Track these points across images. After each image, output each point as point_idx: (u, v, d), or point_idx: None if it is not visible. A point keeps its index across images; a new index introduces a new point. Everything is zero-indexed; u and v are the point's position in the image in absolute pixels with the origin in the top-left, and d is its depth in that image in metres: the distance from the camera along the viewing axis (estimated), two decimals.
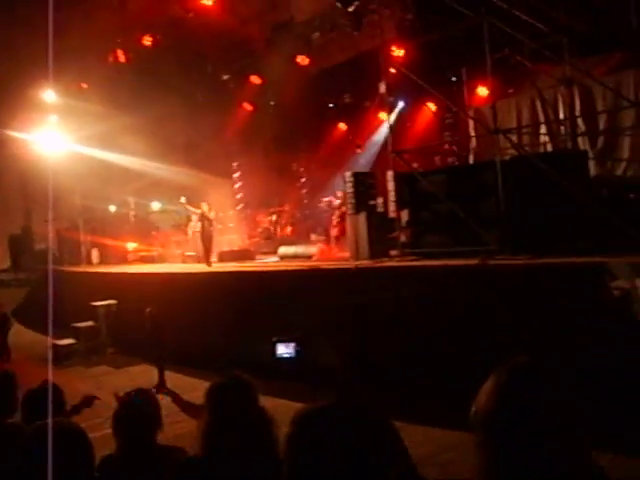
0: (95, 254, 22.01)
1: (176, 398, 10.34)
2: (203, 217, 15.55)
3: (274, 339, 2.16)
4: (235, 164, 23.23)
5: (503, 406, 1.48)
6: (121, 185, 22.67)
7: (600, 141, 13.10)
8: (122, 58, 19.56)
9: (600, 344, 7.12)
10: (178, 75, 19.51)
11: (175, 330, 11.70)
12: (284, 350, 2.09)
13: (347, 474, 1.59)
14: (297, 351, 2.13)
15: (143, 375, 11.92)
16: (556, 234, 9.49)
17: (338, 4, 15.26)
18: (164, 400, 9.63)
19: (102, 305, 14.99)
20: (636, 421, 6.11)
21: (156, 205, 23.82)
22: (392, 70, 14.43)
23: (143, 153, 20.87)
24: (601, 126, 13.20)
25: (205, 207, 15.50)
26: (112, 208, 23.98)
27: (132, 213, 23.67)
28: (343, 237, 15.02)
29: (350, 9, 15.13)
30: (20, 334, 16.41)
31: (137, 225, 23.10)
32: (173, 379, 11.28)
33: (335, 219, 16.18)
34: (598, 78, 12.66)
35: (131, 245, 21.87)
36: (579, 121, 13.17)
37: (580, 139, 12.99)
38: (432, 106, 18.23)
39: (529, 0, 12.84)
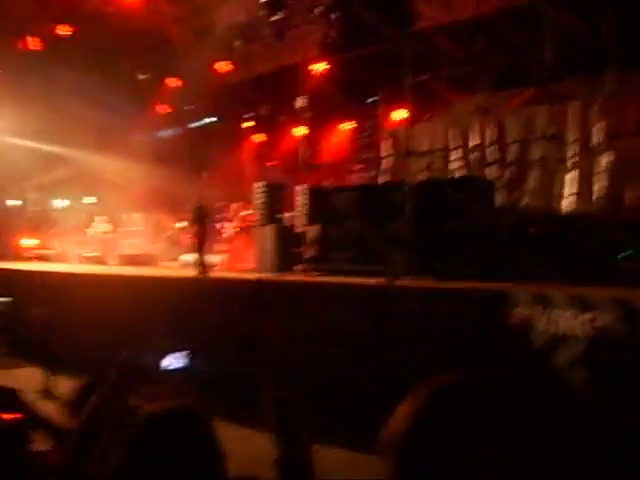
0: None
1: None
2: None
3: (162, 348, 2.00)
4: (146, 167, 22.68)
5: (420, 430, 1.38)
6: (23, 178, 21.83)
7: (509, 172, 13.41)
8: (35, 46, 18.83)
9: (500, 370, 7.16)
10: (94, 70, 18.93)
11: (68, 333, 11.20)
12: (173, 361, 1.93)
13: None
14: (189, 361, 1.97)
15: (30, 378, 11.32)
16: (460, 259, 9.59)
17: (262, 12, 15.14)
18: (49, 405, 9.14)
19: None
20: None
21: (59, 203, 23.03)
22: (312, 86, 14.41)
23: (48, 147, 20.17)
24: (511, 157, 13.53)
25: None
26: (12, 202, 23.04)
27: (31, 209, 22.81)
28: (247, 248, 14.81)
29: (273, 18, 15.02)
30: None
31: (36, 222, 22.24)
32: (64, 385, 10.75)
33: (231, 227, 15.94)
34: (512, 110, 12.97)
35: (28, 242, 21.01)
36: (490, 150, 13.44)
37: (490, 168, 13.25)
38: (348, 124, 18.30)
39: (451, 30, 13.06)
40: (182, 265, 16.00)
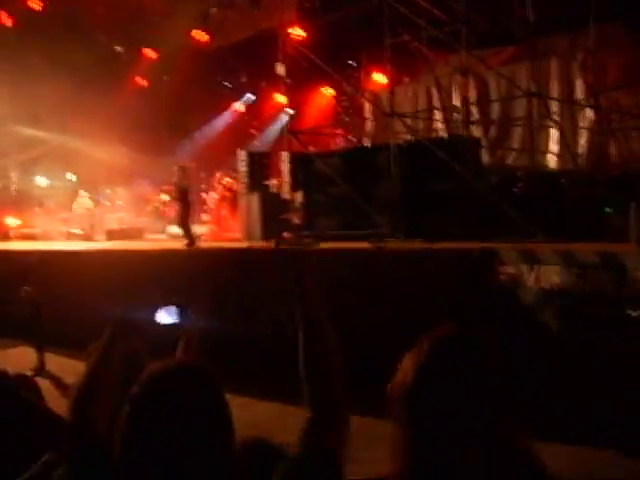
0: None
1: (57, 382, 9.83)
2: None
3: (156, 303, 2.02)
4: (127, 141, 22.51)
5: (425, 378, 1.43)
6: (3, 157, 21.57)
7: (492, 130, 13.42)
8: (8, 21, 18.48)
9: (488, 327, 7.22)
10: (68, 43, 18.63)
11: (57, 310, 11.16)
12: (167, 316, 1.94)
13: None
14: (180, 316, 1.98)
15: (21, 357, 11.30)
16: (447, 219, 9.61)
17: None
18: (43, 384, 9.15)
19: None
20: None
21: (41, 180, 22.79)
22: (291, 51, 14.25)
23: (28, 125, 19.92)
24: (494, 115, 13.51)
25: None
26: None
27: (14, 187, 22.58)
28: (232, 217, 14.74)
29: None
30: None
31: (19, 200, 22.02)
32: (54, 361, 10.75)
33: (215, 197, 15.87)
34: (493, 68, 12.92)
35: (12, 221, 20.81)
36: (473, 109, 13.41)
37: (474, 127, 13.22)
38: (329, 90, 18.20)
39: None
40: (170, 237, 15.94)
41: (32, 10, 18.11)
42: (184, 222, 13.07)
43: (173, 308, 2.01)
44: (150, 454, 1.53)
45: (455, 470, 1.39)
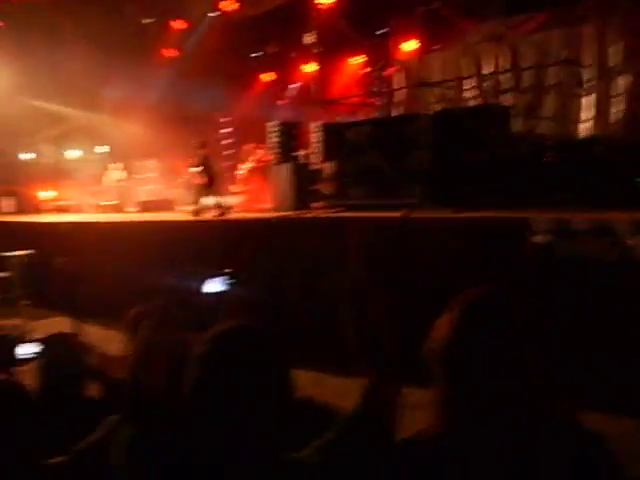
0: (7, 203, 21.16)
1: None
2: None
3: (203, 273, 2.07)
4: (156, 114, 22.61)
5: (460, 339, 1.47)
6: (36, 131, 21.80)
7: (524, 98, 13.24)
8: None
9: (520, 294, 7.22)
10: (97, 17, 18.71)
11: (92, 281, 11.35)
12: (213, 284, 1.99)
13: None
14: (228, 285, 2.04)
15: (58, 327, 11.46)
16: (478, 189, 9.56)
17: None
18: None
19: (14, 255, 14.37)
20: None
21: (72, 153, 23.02)
22: (320, 20, 14.18)
23: (60, 98, 20.09)
24: (525, 84, 13.34)
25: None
26: (25, 156, 23.04)
27: (47, 161, 22.84)
28: (264, 188, 14.80)
29: None
30: None
31: (52, 174, 22.29)
32: (92, 331, 10.94)
33: (246, 167, 15.91)
34: (525, 35, 12.74)
35: (46, 194, 21.10)
36: (504, 78, 13.26)
37: (505, 96, 13.09)
38: (359, 59, 18.09)
39: None
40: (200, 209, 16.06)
41: None
42: (208, 193, 13.56)
43: (219, 277, 2.08)
44: (215, 410, 1.63)
45: (491, 429, 1.43)
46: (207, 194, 13.72)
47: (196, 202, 13.68)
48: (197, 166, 13.77)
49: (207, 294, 2.08)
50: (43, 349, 2.93)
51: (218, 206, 13.27)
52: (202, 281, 2.14)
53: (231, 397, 1.64)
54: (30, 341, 2.96)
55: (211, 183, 13.60)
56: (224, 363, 1.67)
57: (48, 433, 2.19)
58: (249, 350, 1.70)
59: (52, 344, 3.01)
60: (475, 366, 1.44)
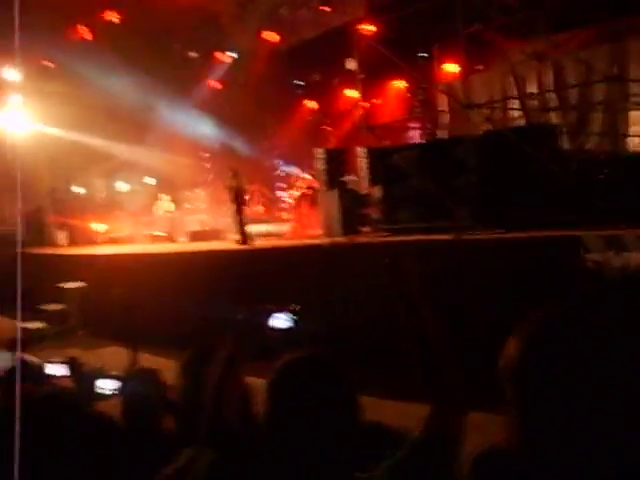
0: (62, 236, 21.66)
1: None
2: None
3: (269, 309, 2.11)
4: (204, 144, 23.00)
5: (532, 358, 1.51)
6: (88, 166, 22.33)
7: (571, 116, 13.14)
8: (87, 35, 19.15)
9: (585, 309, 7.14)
10: (144, 53, 19.18)
11: (147, 310, 11.54)
12: (280, 320, 2.03)
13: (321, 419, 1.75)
14: (293, 321, 2.08)
15: (115, 356, 11.72)
16: (529, 209, 9.51)
17: None
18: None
19: (72, 287, 14.73)
20: None
21: (123, 186, 23.50)
22: (362, 47, 14.31)
23: (110, 133, 20.56)
24: (572, 101, 13.24)
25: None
26: (79, 189, 23.59)
27: (99, 194, 23.35)
28: (312, 214, 14.94)
29: None
30: None
31: (104, 206, 22.78)
32: (147, 360, 11.12)
33: (295, 195, 16.10)
34: (570, 53, 12.68)
35: (99, 226, 21.56)
36: (551, 96, 13.18)
37: (552, 114, 13.01)
38: (402, 83, 18.17)
39: None
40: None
41: (110, 23, 18.70)
42: (237, 221, 14.07)
43: (285, 313, 2.17)
44: (286, 435, 1.71)
45: (563, 447, 1.46)
46: (242, 222, 14.14)
47: (240, 231, 14.01)
48: (229, 195, 14.38)
49: (273, 328, 2.15)
50: (125, 385, 3.03)
51: (240, 234, 13.63)
52: (267, 315, 2.21)
53: (301, 423, 1.74)
54: (111, 377, 3.06)
55: (241, 211, 14.16)
56: (293, 391, 1.77)
57: (130, 464, 2.28)
58: (315, 378, 1.79)
59: (133, 380, 3.10)
60: (545, 385, 1.47)
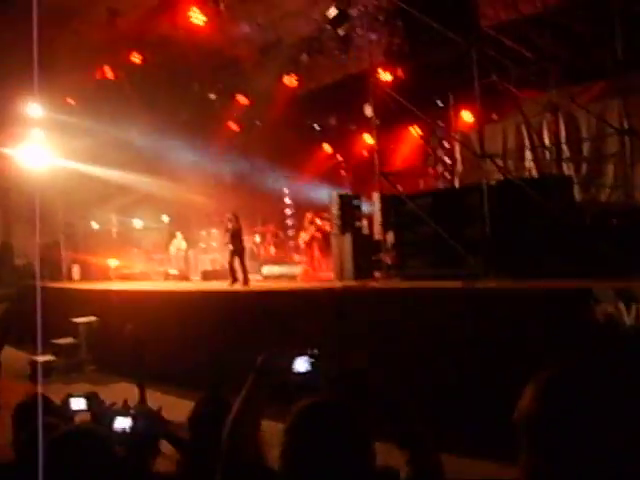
0: (76, 270, 21.82)
1: None
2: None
3: (288, 352, 2.15)
4: (219, 183, 23.24)
5: (547, 407, 1.54)
6: (104, 202, 22.59)
7: (584, 167, 13.27)
8: (110, 75, 19.53)
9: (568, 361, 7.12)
10: (165, 93, 19.53)
11: (157, 348, 11.59)
12: (301, 365, 2.07)
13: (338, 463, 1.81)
14: (313, 365, 2.12)
15: (124, 393, 11.66)
16: (540, 259, 9.54)
17: (328, 26, 15.35)
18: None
19: (83, 322, 14.81)
20: None
21: (139, 223, 23.71)
22: (378, 93, 14.50)
23: (128, 170, 20.84)
24: (585, 153, 13.38)
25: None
26: (94, 225, 23.83)
27: (114, 230, 23.55)
28: (324, 257, 15.05)
29: (340, 31, 15.20)
30: None
31: (119, 242, 22.97)
32: (155, 397, 11.13)
33: (307, 237, 16.23)
34: (583, 105, 12.83)
35: (113, 262, 21.71)
36: (564, 147, 13.33)
37: (565, 165, 13.14)
38: (416, 130, 18.39)
39: (516, 27, 13.01)
40: (263, 278, 16.35)
41: (132, 64, 19.08)
42: (231, 264, 14.62)
43: (306, 357, 2.23)
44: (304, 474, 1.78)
45: None
46: (244, 263, 14.65)
47: (242, 271, 14.52)
48: (228, 238, 15.04)
49: (292, 372, 2.20)
50: (133, 422, 3.09)
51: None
52: (286, 358, 2.25)
53: (316, 465, 1.80)
54: (124, 414, 3.12)
55: (240, 254, 14.66)
56: (309, 437, 1.84)
57: None
58: (330, 423, 1.86)
59: (139, 417, 3.16)
60: (561, 436, 1.50)
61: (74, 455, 2.13)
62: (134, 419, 3.10)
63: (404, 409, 2.06)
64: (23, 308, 16.04)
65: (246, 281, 14.29)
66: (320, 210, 16.46)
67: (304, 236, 16.78)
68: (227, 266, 14.84)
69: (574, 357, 1.65)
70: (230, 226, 14.86)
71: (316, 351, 2.29)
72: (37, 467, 2.02)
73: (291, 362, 2.21)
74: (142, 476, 3.01)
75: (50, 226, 21.31)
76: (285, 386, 2.22)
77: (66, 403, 3.49)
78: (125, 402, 3.45)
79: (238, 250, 14.64)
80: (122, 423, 3.03)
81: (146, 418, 3.15)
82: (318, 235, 15.91)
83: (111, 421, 3.04)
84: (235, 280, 14.35)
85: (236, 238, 14.73)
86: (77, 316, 14.89)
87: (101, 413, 3.30)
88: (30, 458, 2.18)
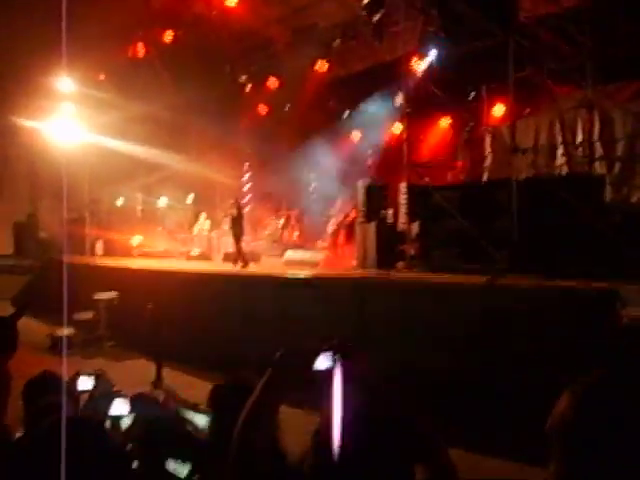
0: (99, 246, 21.96)
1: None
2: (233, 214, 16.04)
3: (315, 347, 2.02)
4: (246, 165, 23.18)
5: (585, 416, 1.51)
6: (130, 179, 22.65)
7: (617, 167, 13.05)
8: (142, 52, 19.53)
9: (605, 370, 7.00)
10: (196, 73, 19.48)
11: (177, 327, 11.61)
12: (323, 363, 1.95)
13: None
14: (334, 361, 2.02)
15: (140, 370, 11.79)
16: (567, 257, 9.40)
17: (363, 12, 15.15)
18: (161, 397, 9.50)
19: (103, 297, 14.87)
20: None
21: (163, 201, 23.80)
22: (410, 82, 14.34)
23: (155, 149, 20.86)
24: (619, 152, 13.16)
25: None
26: (119, 201, 23.92)
27: (139, 208, 23.64)
28: (348, 245, 14.96)
29: (375, 18, 14.99)
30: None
31: (143, 220, 23.06)
32: (171, 376, 11.16)
33: (334, 225, 16.16)
34: (619, 104, 12.60)
35: (136, 239, 21.80)
36: (597, 145, 13.10)
37: (597, 164, 12.92)
38: (447, 121, 18.19)
39: (556, 21, 12.77)
40: (286, 262, 16.29)
41: (164, 42, 19.07)
42: (238, 247, 15.87)
43: (329, 354, 2.13)
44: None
45: None
46: (240, 247, 15.90)
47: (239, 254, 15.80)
48: (230, 222, 16.33)
49: (315, 370, 2.10)
50: (132, 409, 3.03)
51: (236, 257, 15.50)
52: (314, 356, 2.14)
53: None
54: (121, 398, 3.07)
55: (237, 239, 15.96)
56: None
57: None
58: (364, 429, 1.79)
59: (138, 403, 3.11)
60: (596, 445, 1.48)
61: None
62: (132, 405, 3.05)
63: (418, 425, 1.98)
64: (45, 281, 16.17)
65: (244, 263, 15.44)
66: (347, 197, 16.40)
67: (331, 223, 16.74)
68: (235, 249, 16.01)
69: (609, 364, 1.60)
70: (230, 212, 15.99)
71: (338, 344, 2.18)
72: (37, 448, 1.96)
73: (312, 360, 2.10)
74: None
75: (75, 202, 21.45)
76: (303, 382, 2.13)
77: (74, 381, 3.44)
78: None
79: (237, 235, 15.85)
80: (119, 409, 2.97)
81: (146, 406, 3.09)
82: (345, 222, 15.85)
83: (108, 405, 2.99)
84: (246, 263, 15.33)
85: (236, 223, 15.90)
86: (98, 292, 14.95)
87: (102, 394, 3.25)
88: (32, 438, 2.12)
